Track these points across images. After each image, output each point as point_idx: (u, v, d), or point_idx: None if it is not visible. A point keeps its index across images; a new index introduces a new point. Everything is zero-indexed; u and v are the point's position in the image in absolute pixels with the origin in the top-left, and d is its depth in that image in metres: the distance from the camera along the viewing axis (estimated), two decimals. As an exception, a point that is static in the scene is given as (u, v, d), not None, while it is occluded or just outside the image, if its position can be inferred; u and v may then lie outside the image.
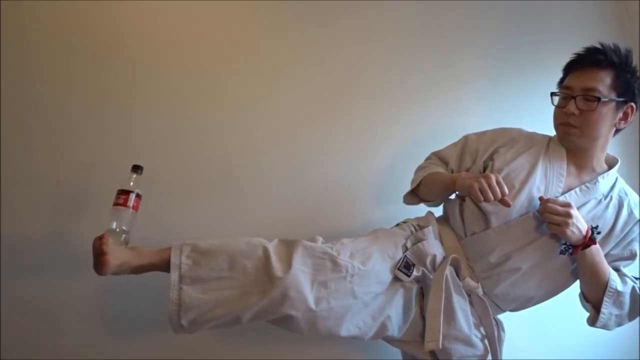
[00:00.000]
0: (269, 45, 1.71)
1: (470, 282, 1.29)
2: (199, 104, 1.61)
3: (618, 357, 1.93)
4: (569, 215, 1.20)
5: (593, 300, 1.29)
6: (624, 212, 1.31)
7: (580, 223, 1.22)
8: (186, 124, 1.59)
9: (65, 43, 1.50)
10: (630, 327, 1.38)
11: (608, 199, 1.32)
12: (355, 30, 1.81)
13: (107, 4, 1.54)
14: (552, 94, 1.34)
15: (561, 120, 1.31)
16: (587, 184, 1.32)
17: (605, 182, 1.33)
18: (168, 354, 1.50)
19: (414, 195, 1.48)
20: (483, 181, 1.17)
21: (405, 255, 1.27)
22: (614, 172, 1.35)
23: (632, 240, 1.32)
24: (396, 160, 1.79)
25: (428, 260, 1.28)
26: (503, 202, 1.19)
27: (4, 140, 1.43)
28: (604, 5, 2.17)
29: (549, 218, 1.22)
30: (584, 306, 1.34)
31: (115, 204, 1.18)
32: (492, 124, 1.91)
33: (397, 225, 1.43)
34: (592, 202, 1.31)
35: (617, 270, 1.31)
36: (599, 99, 1.23)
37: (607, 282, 1.25)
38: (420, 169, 1.48)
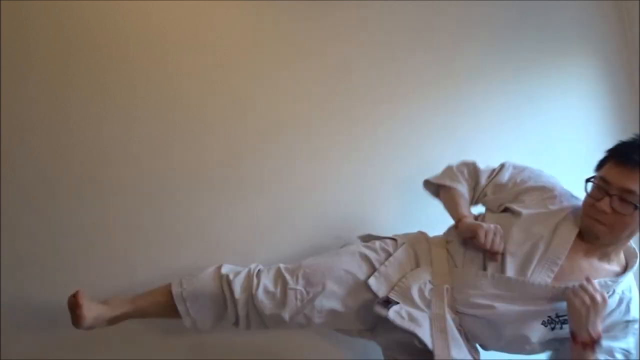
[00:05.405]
0: (269, 45, 1.70)
1: (449, 313, 1.26)
2: (199, 104, 1.61)
3: (618, 357, 1.92)
4: (597, 304, 1.16)
5: None
6: (620, 310, 1.26)
7: (599, 319, 1.17)
8: (186, 123, 1.59)
9: (65, 43, 1.50)
10: (630, 327, 1.38)
11: (611, 291, 1.26)
12: (354, 28, 1.80)
13: (107, 4, 1.54)
14: (587, 180, 1.25)
15: (591, 214, 1.23)
16: (608, 281, 1.25)
17: (623, 280, 1.27)
18: (169, 353, 1.51)
19: (433, 187, 1.50)
20: (492, 229, 1.25)
21: (389, 297, 1.26)
22: (631, 272, 1.29)
23: (615, 339, 1.25)
24: (396, 159, 1.78)
25: (415, 295, 1.26)
26: (492, 253, 1.25)
27: (4, 140, 1.43)
28: (604, 5, 2.17)
29: (579, 294, 1.17)
30: None
31: None
32: (492, 123, 1.93)
33: (368, 246, 1.41)
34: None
35: None
36: (636, 206, 1.16)
37: None
38: (451, 174, 1.45)
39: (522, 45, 2.00)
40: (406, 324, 1.21)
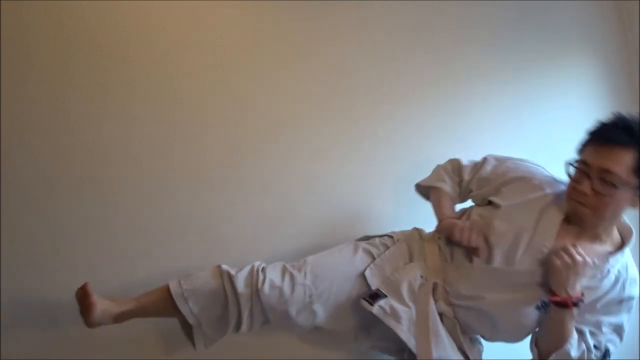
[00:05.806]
0: (269, 45, 1.70)
1: (443, 306, 1.30)
2: (199, 104, 1.61)
3: (618, 357, 1.92)
4: (577, 265, 1.18)
5: (543, 349, 1.27)
6: (615, 290, 1.26)
7: (579, 281, 1.20)
8: (186, 123, 1.59)
9: (65, 43, 1.50)
10: (630, 327, 1.38)
11: (606, 272, 1.26)
12: (354, 28, 1.80)
13: (107, 4, 1.54)
14: (569, 163, 1.25)
15: (573, 196, 1.23)
16: (595, 260, 1.23)
17: (615, 261, 1.25)
18: (169, 354, 1.51)
19: (424, 190, 1.53)
20: (467, 226, 1.27)
21: (378, 289, 1.28)
22: (627, 250, 1.28)
23: (607, 313, 1.27)
24: (396, 159, 1.79)
25: (403, 290, 1.28)
26: (473, 249, 1.27)
27: (4, 140, 1.43)
28: (604, 5, 2.17)
29: (561, 255, 1.19)
30: (531, 350, 1.32)
31: None
32: (492, 123, 1.93)
33: (369, 242, 1.43)
34: (590, 274, 1.24)
35: (579, 331, 1.26)
36: (616, 186, 1.15)
37: (565, 343, 1.22)
38: (437, 174, 1.48)
39: (522, 45, 2.00)
40: (387, 320, 1.25)
